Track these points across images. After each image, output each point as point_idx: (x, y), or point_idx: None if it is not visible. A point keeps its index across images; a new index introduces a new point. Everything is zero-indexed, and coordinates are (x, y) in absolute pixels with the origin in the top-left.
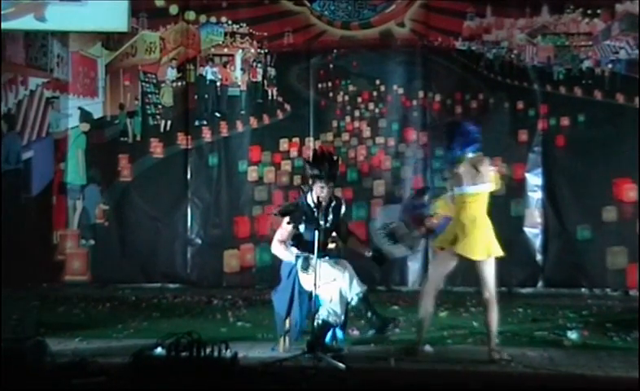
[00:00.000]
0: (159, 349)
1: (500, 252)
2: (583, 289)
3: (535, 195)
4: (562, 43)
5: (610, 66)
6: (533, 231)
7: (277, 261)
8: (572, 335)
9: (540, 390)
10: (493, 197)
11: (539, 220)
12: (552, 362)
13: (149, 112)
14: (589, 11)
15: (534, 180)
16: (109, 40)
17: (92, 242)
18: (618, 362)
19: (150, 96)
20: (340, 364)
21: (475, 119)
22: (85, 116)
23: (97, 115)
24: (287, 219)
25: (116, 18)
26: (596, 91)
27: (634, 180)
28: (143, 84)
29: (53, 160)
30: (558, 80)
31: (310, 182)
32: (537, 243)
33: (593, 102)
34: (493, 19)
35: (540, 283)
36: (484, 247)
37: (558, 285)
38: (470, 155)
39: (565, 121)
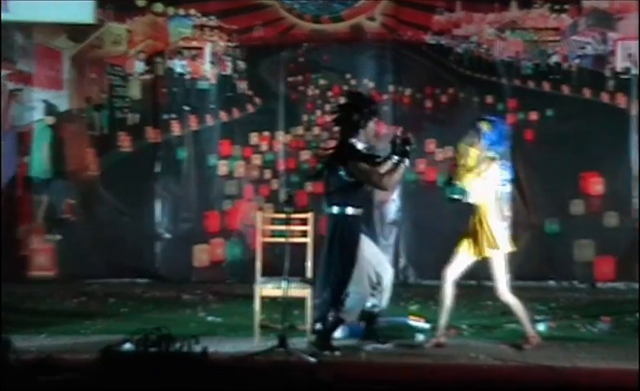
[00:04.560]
0: (127, 345)
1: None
2: (551, 282)
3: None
4: (530, 38)
5: (577, 61)
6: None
7: (247, 256)
8: (540, 327)
9: (509, 382)
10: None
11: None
12: (521, 354)
13: (116, 105)
14: (556, 7)
15: (503, 173)
16: (74, 32)
17: (58, 237)
18: (585, 352)
19: (117, 89)
20: (311, 358)
21: (444, 113)
22: (50, 108)
23: (62, 108)
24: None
25: (81, 9)
26: (564, 86)
27: (601, 173)
28: (110, 77)
29: (17, 154)
30: (527, 74)
31: (363, 121)
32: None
33: (561, 96)
34: (463, 14)
35: (509, 276)
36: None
37: (527, 278)
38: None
39: (533, 116)
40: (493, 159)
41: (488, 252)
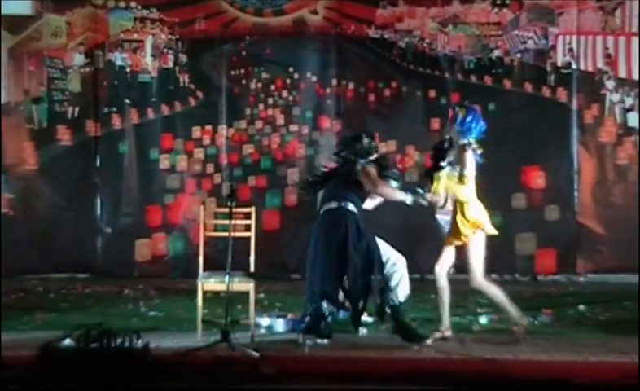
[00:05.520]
0: (67, 341)
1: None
2: (493, 275)
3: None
4: (472, 33)
5: (519, 55)
6: (445, 218)
7: (190, 251)
8: (482, 320)
9: (451, 374)
10: (406, 185)
11: (450, 207)
12: (464, 347)
13: (56, 98)
14: (498, 2)
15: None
16: (12, 23)
17: None
18: (526, 345)
19: (56, 82)
20: (254, 352)
21: (388, 107)
22: None
23: None
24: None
25: (19, 0)
26: (505, 80)
27: (542, 167)
28: (49, 69)
29: None
30: (469, 69)
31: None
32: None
33: (503, 91)
34: (406, 8)
35: (452, 270)
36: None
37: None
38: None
39: None
40: (465, 145)
41: (466, 238)
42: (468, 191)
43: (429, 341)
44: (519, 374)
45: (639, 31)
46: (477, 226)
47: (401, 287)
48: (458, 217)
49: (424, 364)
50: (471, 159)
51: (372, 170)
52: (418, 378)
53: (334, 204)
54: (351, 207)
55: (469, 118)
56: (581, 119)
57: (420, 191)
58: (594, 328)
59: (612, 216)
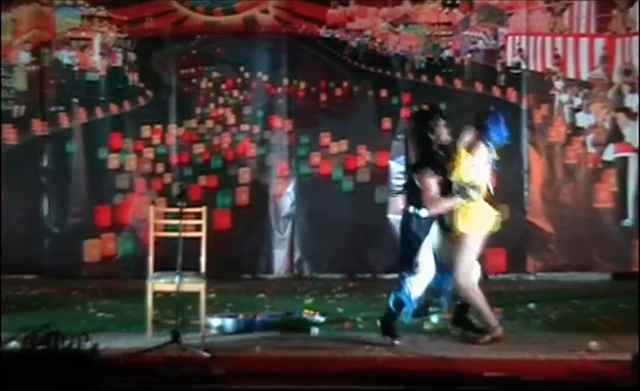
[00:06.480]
0: (13, 343)
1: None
2: None
3: (398, 183)
4: (423, 33)
5: (469, 56)
6: (397, 218)
7: (140, 251)
8: (434, 318)
9: (403, 372)
10: (358, 184)
11: (402, 207)
12: (415, 345)
13: (1, 96)
14: (448, 2)
15: (397, 167)
16: None
17: None
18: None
19: (2, 80)
20: (205, 353)
21: (339, 106)
22: None
23: None
24: (429, 173)
25: None
26: (456, 80)
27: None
28: None
29: None
30: (420, 68)
31: (432, 125)
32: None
33: (454, 90)
34: (357, 8)
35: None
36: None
37: None
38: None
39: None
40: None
41: (457, 231)
42: (475, 192)
43: (397, 342)
44: (470, 371)
45: (639, 31)
46: (465, 230)
47: (414, 288)
48: (458, 209)
49: (377, 363)
50: (483, 154)
51: (428, 182)
52: (370, 377)
53: (408, 208)
54: (417, 211)
55: (487, 122)
56: (531, 119)
57: (468, 189)
58: (544, 327)
59: (562, 215)
